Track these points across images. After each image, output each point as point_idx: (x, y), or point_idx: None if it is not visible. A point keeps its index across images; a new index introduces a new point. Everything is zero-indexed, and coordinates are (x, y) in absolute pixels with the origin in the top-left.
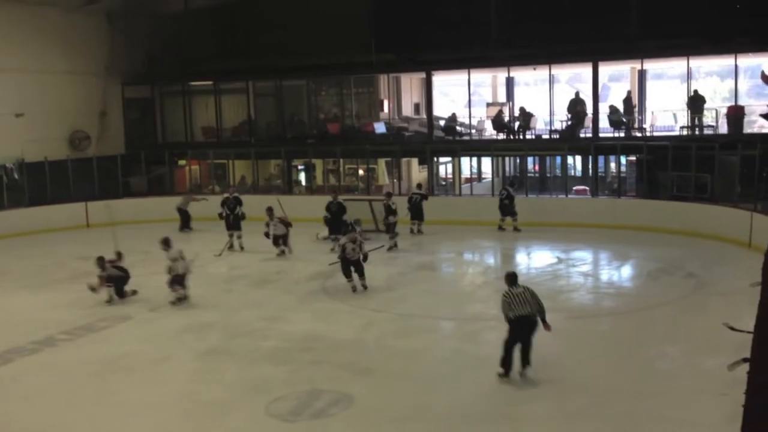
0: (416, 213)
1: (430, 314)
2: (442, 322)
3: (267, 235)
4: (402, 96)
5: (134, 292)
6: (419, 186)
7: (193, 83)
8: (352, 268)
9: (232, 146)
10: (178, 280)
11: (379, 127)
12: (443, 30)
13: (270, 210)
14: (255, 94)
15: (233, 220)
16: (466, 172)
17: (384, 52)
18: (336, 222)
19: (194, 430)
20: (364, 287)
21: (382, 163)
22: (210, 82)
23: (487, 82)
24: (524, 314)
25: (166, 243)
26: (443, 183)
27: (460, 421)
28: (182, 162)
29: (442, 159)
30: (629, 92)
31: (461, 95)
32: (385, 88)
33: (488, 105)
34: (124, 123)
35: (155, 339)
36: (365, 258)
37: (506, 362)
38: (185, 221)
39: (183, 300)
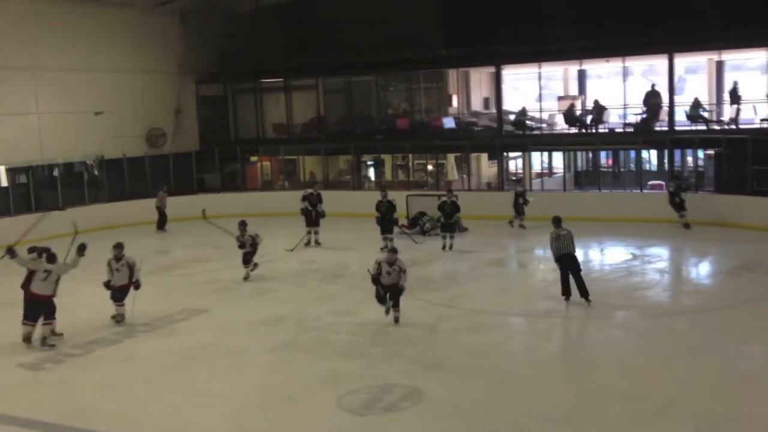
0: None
1: (500, 310)
2: (512, 318)
3: (242, 245)
4: (471, 90)
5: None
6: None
7: (264, 80)
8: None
9: (303, 142)
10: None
11: (448, 122)
12: (513, 23)
13: (243, 225)
14: (325, 90)
15: (314, 217)
16: (537, 167)
17: (453, 46)
18: (386, 221)
19: (268, 421)
20: (396, 320)
21: (451, 159)
22: (281, 80)
23: (558, 75)
24: (568, 252)
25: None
26: (513, 178)
27: (532, 420)
28: (254, 158)
29: (511, 154)
30: (735, 83)
31: (531, 89)
32: (455, 83)
33: (559, 98)
34: (198, 120)
35: (230, 331)
36: (400, 291)
37: (565, 290)
38: (162, 221)
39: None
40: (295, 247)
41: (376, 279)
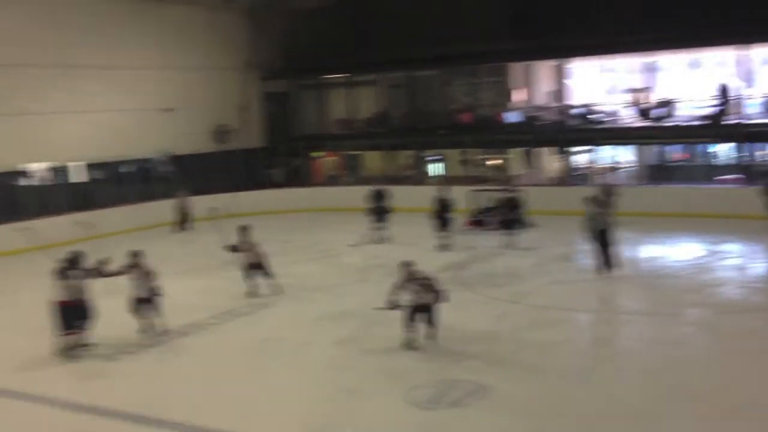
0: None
1: (566, 306)
2: (578, 314)
3: (230, 248)
4: (536, 84)
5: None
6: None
7: (328, 76)
8: (418, 315)
9: (366, 138)
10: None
11: (512, 117)
12: (579, 15)
13: (243, 230)
14: (387, 85)
15: (380, 213)
16: (603, 162)
17: (518, 39)
18: (442, 216)
19: (335, 415)
20: (432, 336)
21: (515, 153)
22: (344, 75)
23: (625, 68)
24: (602, 228)
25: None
26: (578, 173)
27: (600, 417)
28: (317, 154)
29: (577, 148)
30: None
31: (598, 81)
32: (519, 77)
33: (627, 91)
34: (264, 116)
35: (296, 325)
36: (442, 296)
37: (602, 263)
38: (183, 220)
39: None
40: (359, 244)
41: (393, 304)
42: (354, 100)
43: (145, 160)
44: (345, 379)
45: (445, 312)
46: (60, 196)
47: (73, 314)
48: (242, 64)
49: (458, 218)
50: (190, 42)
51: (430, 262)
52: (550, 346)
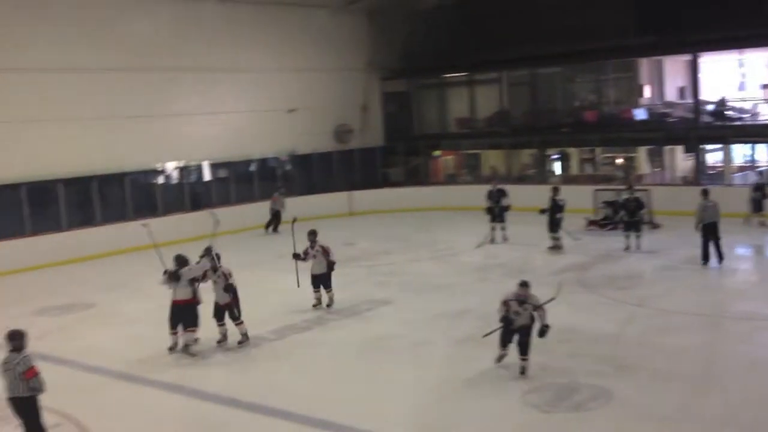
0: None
1: (696, 311)
2: (709, 319)
3: (297, 256)
4: (665, 80)
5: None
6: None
7: (448, 75)
8: (516, 337)
9: (486, 136)
10: None
11: (639, 114)
12: (711, 7)
13: (313, 235)
14: (508, 83)
15: (498, 212)
16: (738, 160)
17: (645, 34)
18: (497, 210)
19: (452, 413)
20: (522, 370)
21: (642, 152)
22: (464, 74)
23: (762, 62)
24: (713, 221)
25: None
26: (711, 172)
27: (727, 427)
28: (437, 153)
29: (709, 146)
30: None
31: (732, 77)
32: (647, 72)
33: (764, 87)
34: (383, 116)
35: (414, 323)
36: (543, 332)
37: (705, 256)
38: (273, 222)
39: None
40: (482, 244)
41: (507, 321)
42: (474, 99)
43: (269, 160)
44: (463, 378)
45: (567, 314)
46: (188, 195)
47: (181, 314)
48: (363, 64)
49: (579, 219)
50: (312, 44)
51: (550, 263)
52: (678, 351)
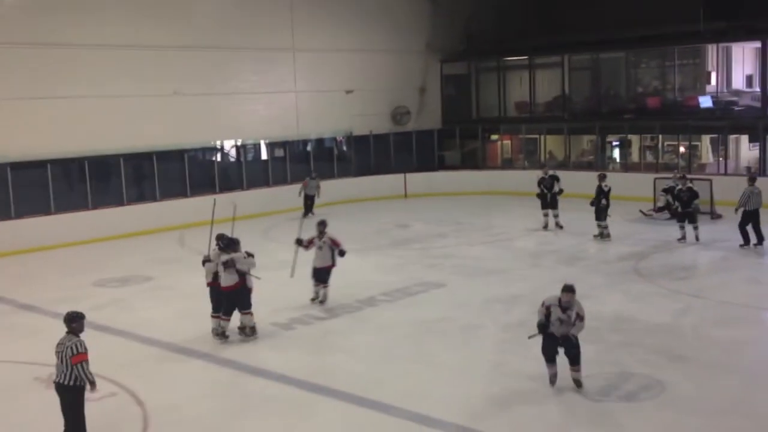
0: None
1: (755, 304)
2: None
3: (300, 242)
4: (732, 67)
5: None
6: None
7: (508, 59)
8: (560, 348)
9: (545, 121)
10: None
11: (705, 101)
12: None
13: (322, 225)
14: (570, 68)
15: (550, 199)
16: None
17: (713, 20)
18: (549, 197)
19: (499, 398)
20: (577, 383)
21: (706, 140)
22: (525, 57)
23: None
24: (756, 208)
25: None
26: None
27: None
28: (495, 137)
29: None
30: None
31: None
32: (713, 60)
33: None
34: (442, 99)
35: (466, 307)
36: (576, 342)
37: (745, 240)
38: (308, 206)
39: None
40: (553, 228)
41: (543, 326)
42: (534, 83)
43: (325, 140)
44: (512, 363)
45: (622, 303)
46: (245, 173)
47: (226, 298)
48: (422, 46)
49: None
50: (372, 24)
51: (605, 251)
52: (735, 344)
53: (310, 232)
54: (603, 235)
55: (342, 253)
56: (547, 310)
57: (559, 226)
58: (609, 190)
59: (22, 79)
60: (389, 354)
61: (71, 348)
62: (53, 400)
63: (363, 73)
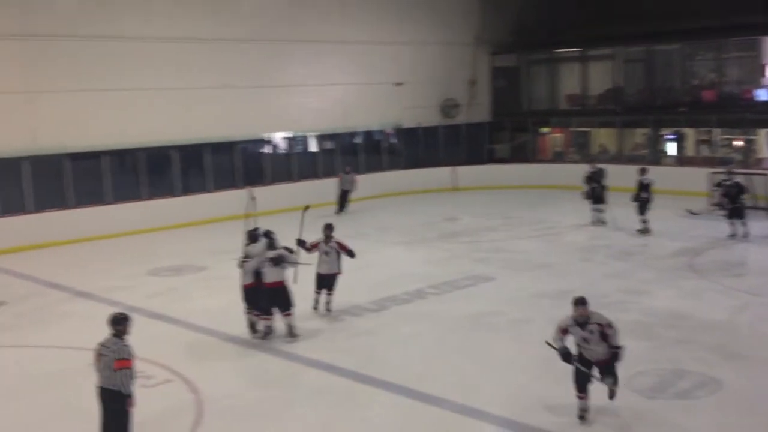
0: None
1: None
2: None
3: (302, 243)
4: None
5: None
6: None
7: (559, 51)
8: (593, 376)
9: (597, 114)
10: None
11: (762, 94)
12: None
13: (329, 230)
14: (623, 60)
15: (598, 194)
16: None
17: None
18: (598, 192)
19: (548, 393)
20: (611, 394)
21: (763, 134)
22: (576, 50)
23: None
24: None
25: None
26: None
27: None
28: (545, 130)
29: None
30: None
31: None
32: None
33: None
34: (492, 91)
35: (515, 301)
36: (615, 355)
37: None
38: (342, 201)
39: None
40: (606, 223)
41: (566, 356)
42: (586, 76)
43: (374, 133)
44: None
45: (676, 299)
46: (295, 165)
47: (268, 295)
48: (472, 38)
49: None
50: (421, 17)
51: (659, 246)
52: None
53: (312, 233)
54: (644, 230)
55: (351, 254)
56: (564, 333)
57: (602, 222)
58: (650, 184)
59: (79, 71)
60: (438, 346)
61: (117, 352)
62: None
63: (412, 65)
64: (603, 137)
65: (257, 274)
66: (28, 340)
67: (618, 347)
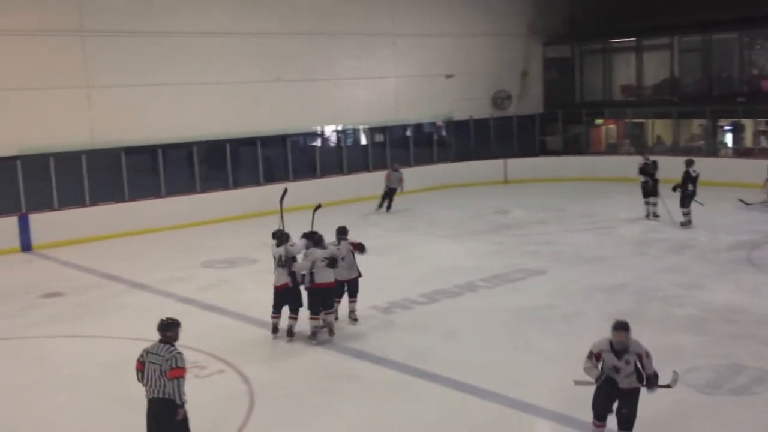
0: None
1: None
2: None
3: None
4: None
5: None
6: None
7: (614, 41)
8: (615, 403)
9: (652, 105)
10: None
11: None
12: None
13: (343, 234)
14: (679, 49)
15: (651, 187)
16: None
17: None
18: (652, 185)
19: None
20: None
21: None
22: (631, 39)
23: None
24: None
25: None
26: None
27: None
28: (599, 121)
29: None
30: None
31: None
32: None
33: None
34: (544, 82)
35: (567, 295)
36: (650, 383)
37: None
38: (388, 199)
39: None
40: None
41: (607, 380)
42: (641, 66)
43: (424, 125)
44: None
45: (733, 293)
46: (345, 158)
47: (315, 295)
48: (524, 29)
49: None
50: (472, 8)
51: (716, 240)
52: None
53: (363, 226)
54: (688, 222)
55: (362, 249)
56: (597, 360)
57: (655, 216)
58: (697, 176)
59: (135, 66)
60: (488, 340)
61: (172, 360)
62: None
63: (463, 57)
64: (659, 128)
65: (293, 274)
66: (85, 331)
67: (653, 376)
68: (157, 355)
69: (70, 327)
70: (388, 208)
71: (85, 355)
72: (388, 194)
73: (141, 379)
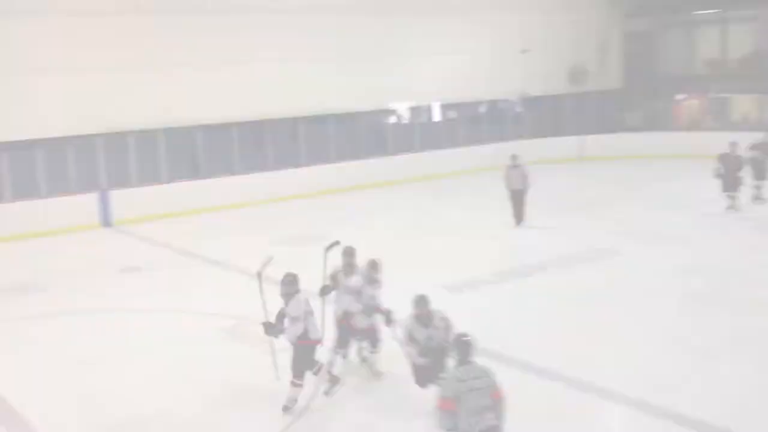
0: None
1: None
2: None
3: (327, 291)
4: None
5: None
6: None
7: (697, 12)
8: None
9: (738, 79)
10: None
11: None
12: None
13: (350, 256)
14: (767, 21)
15: (732, 181)
16: None
17: None
18: (732, 178)
19: (676, 373)
20: None
21: None
22: (716, 11)
23: None
24: None
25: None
26: None
27: None
28: (681, 96)
29: None
30: None
31: None
32: None
33: None
34: (623, 57)
35: (645, 274)
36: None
37: None
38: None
39: None
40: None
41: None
42: (726, 39)
43: (499, 102)
44: (690, 337)
45: None
46: (417, 136)
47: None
48: (603, 1)
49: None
50: None
51: None
52: None
53: (435, 206)
54: (733, 207)
55: (388, 318)
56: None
57: (759, 198)
58: (742, 159)
59: (209, 45)
60: (560, 321)
61: (496, 384)
62: (236, 350)
63: (540, 31)
64: (743, 104)
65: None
66: (162, 306)
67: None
68: (476, 377)
69: (147, 301)
70: (520, 220)
71: (160, 329)
72: (514, 199)
73: None
